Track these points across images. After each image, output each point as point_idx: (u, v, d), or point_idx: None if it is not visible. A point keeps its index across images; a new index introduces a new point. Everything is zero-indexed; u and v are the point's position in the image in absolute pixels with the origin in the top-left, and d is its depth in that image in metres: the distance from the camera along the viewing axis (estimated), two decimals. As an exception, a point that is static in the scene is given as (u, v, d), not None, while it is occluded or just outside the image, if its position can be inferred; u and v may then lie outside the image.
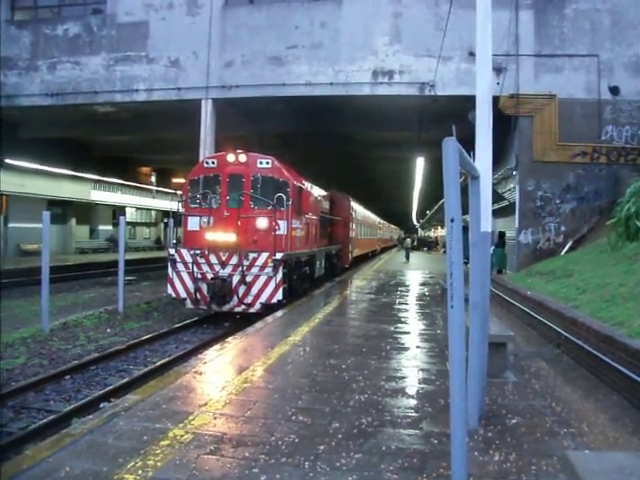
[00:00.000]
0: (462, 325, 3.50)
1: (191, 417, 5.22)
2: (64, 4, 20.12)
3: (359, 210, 29.58)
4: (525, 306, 11.03)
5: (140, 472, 4.03)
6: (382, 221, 50.62)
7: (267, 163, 13.55)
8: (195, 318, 13.51)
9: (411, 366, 7.47)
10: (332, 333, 9.86)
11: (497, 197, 17.70)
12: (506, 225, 19.37)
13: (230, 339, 9.15)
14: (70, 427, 5.15)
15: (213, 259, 12.88)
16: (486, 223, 5.45)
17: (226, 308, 12.87)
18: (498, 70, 15.75)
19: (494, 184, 16.06)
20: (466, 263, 4.55)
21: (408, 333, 9.96)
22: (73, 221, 35.15)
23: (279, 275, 12.62)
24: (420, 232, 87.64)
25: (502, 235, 18.72)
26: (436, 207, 45.92)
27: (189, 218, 13.64)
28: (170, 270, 13.16)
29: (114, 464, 4.14)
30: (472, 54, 14.05)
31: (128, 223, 37.07)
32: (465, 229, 4.18)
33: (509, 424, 5.19)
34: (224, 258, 12.83)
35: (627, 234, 11.63)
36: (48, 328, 11.36)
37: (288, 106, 18.75)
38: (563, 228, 16.43)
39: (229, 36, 17.77)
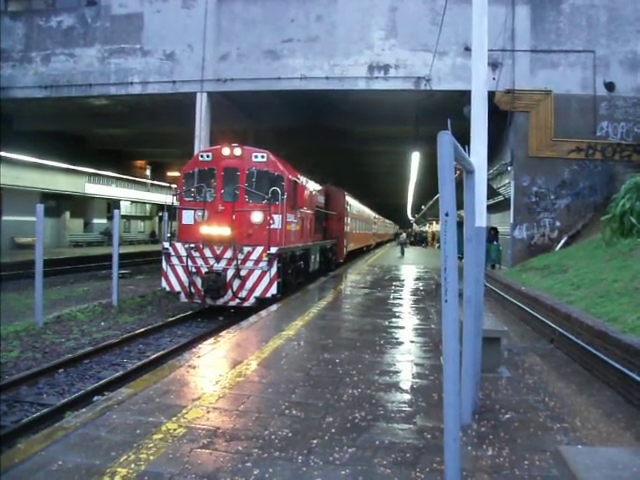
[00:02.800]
0: (456, 320, 3.50)
1: (184, 411, 5.21)
2: (58, -5, 20.00)
3: (354, 205, 29.57)
4: (519, 301, 11.06)
5: (133, 466, 4.01)
6: (377, 216, 50.61)
7: (262, 157, 13.51)
8: (189, 312, 13.49)
9: (405, 360, 7.48)
10: (326, 327, 9.86)
11: (492, 192, 17.71)
12: (501, 220, 19.40)
13: (224, 333, 9.13)
14: (63, 420, 5.14)
15: (207, 253, 12.86)
16: (481, 218, 5.45)
17: (220, 302, 12.85)
18: (494, 65, 15.75)
19: (489, 179, 16.12)
20: (461, 258, 4.54)
21: (402, 328, 9.97)
22: (67, 214, 35.07)
23: (273, 269, 12.61)
24: (415, 227, 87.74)
25: (495, 231, 18.74)
26: (431, 202, 45.95)
27: (184, 212, 13.60)
28: (164, 264, 13.14)
29: (107, 458, 4.13)
30: (468, 49, 14.05)
31: (122, 216, 36.90)
32: (460, 224, 4.17)
33: (502, 419, 5.20)
34: (218, 252, 12.81)
35: (621, 230, 11.67)
36: (42, 321, 11.32)
37: (284, 100, 18.70)
38: (558, 224, 16.47)
39: (224, 29, 17.68)
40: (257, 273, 12.66)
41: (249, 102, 19.30)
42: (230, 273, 12.68)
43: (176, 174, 25.16)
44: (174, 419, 4.98)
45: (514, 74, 16.18)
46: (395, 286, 17.14)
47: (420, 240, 63.43)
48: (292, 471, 4.02)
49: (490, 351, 6.51)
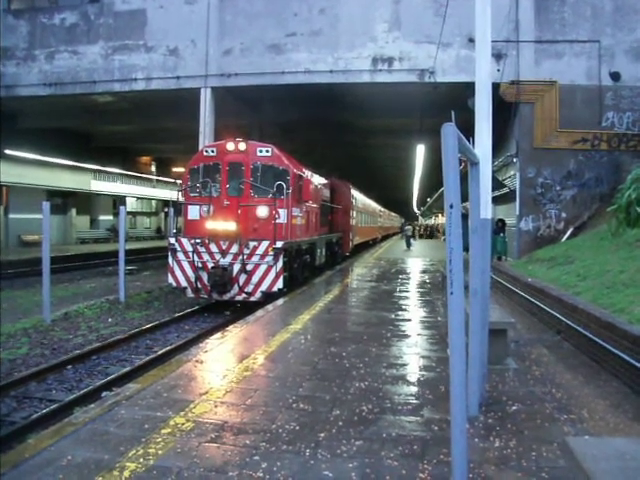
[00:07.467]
0: (462, 312, 3.49)
1: (192, 405, 5.23)
2: (61, -8, 20.00)
3: (360, 198, 29.52)
4: (526, 293, 11.04)
5: (141, 460, 4.04)
6: (383, 209, 50.48)
7: (267, 151, 13.50)
8: (196, 307, 13.54)
9: (412, 353, 7.49)
10: (333, 321, 9.88)
11: (498, 184, 17.64)
12: (507, 212, 19.33)
13: (231, 327, 9.16)
14: (72, 416, 5.16)
15: (213, 248, 12.87)
16: (486, 210, 5.43)
17: (227, 297, 12.88)
18: (498, 56, 15.66)
19: (494, 171, 16.05)
20: (466, 250, 4.53)
21: (409, 320, 9.97)
22: (73, 211, 35.13)
23: (280, 263, 12.61)
24: (421, 219, 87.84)
25: (502, 222, 18.68)
26: (436, 195, 45.86)
27: (189, 207, 13.62)
28: (171, 259, 13.16)
29: (115, 452, 4.16)
30: (472, 40, 13.95)
31: (128, 213, 37.06)
32: (465, 216, 4.16)
33: (509, 411, 5.20)
34: (224, 247, 12.82)
35: (628, 220, 11.61)
36: (50, 318, 11.38)
37: (288, 94, 18.65)
38: (564, 215, 16.39)
39: (227, 24, 17.65)
40: (263, 267, 12.66)
41: (253, 97, 19.27)
42: (236, 268, 12.69)
43: (181, 170, 25.17)
44: (182, 414, 5.01)
45: (518, 65, 16.06)
46: (401, 279, 17.14)
47: (430, 233, 63.87)
48: (300, 464, 4.04)
49: (497, 343, 6.51)
